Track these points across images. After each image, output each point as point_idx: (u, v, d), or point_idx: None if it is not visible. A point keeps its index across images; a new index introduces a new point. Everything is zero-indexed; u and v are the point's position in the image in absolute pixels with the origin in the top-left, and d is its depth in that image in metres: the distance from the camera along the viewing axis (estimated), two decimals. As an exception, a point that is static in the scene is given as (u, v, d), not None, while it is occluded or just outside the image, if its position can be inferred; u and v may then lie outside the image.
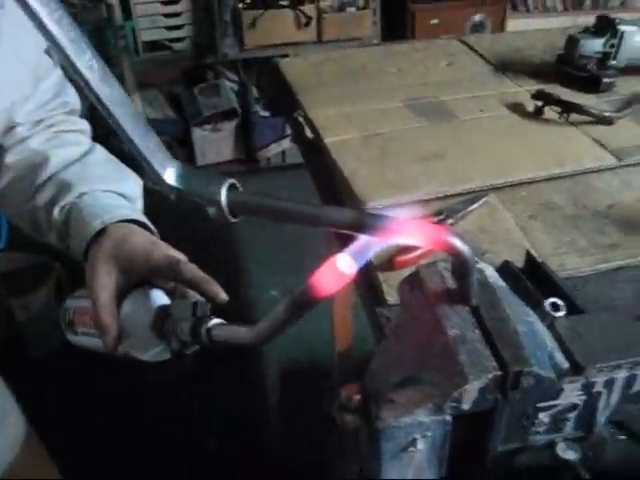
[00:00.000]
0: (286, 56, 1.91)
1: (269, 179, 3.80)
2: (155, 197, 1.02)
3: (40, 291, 2.60)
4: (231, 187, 0.64)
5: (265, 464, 2.30)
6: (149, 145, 0.63)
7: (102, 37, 3.67)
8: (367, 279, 1.05)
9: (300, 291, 0.58)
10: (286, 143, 3.94)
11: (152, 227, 0.99)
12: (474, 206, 1.17)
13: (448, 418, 0.58)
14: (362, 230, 0.54)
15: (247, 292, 2.97)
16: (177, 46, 3.66)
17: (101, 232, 0.92)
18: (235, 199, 0.63)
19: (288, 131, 3.79)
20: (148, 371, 2.28)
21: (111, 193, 1.00)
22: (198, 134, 3.89)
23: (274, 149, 4.00)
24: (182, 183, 0.66)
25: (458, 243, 0.54)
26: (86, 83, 0.58)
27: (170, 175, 0.65)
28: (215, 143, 3.93)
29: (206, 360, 2.26)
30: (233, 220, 0.64)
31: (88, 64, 0.58)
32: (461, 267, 0.57)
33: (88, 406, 2.49)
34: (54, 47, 0.55)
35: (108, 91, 0.60)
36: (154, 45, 3.63)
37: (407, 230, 0.52)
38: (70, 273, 2.60)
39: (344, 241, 0.57)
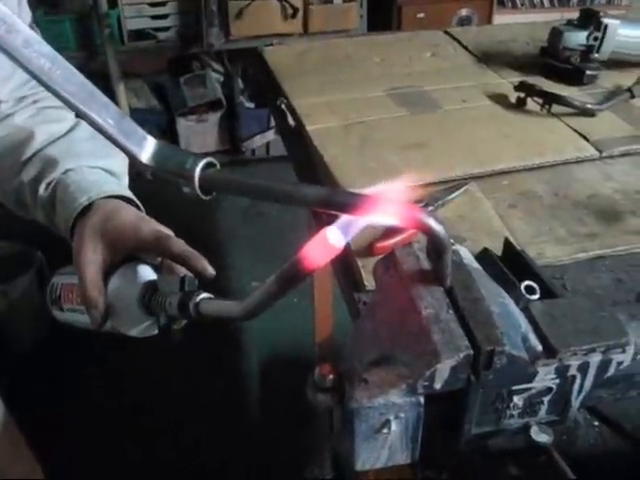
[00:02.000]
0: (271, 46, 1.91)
1: (253, 170, 3.80)
2: (135, 188, 1.02)
3: (21, 279, 2.58)
4: (208, 165, 0.64)
5: (243, 453, 2.30)
6: (121, 126, 0.63)
7: (87, 25, 3.65)
8: (346, 265, 1.05)
9: (289, 264, 0.57)
10: (271, 135, 3.94)
11: (139, 203, 0.99)
12: (454, 194, 1.17)
13: (421, 399, 0.58)
14: (335, 208, 0.54)
15: (229, 284, 2.97)
16: (162, 35, 3.64)
17: (88, 208, 0.92)
18: (209, 177, 0.63)
19: (273, 123, 3.79)
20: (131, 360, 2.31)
21: (97, 169, 1.00)
22: (183, 124, 3.88)
23: (259, 141, 4.00)
24: (157, 161, 0.65)
25: (432, 222, 0.54)
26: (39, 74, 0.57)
27: (146, 154, 0.65)
28: (200, 134, 3.92)
29: (185, 349, 2.29)
30: (205, 198, 0.64)
31: (35, 55, 0.56)
32: (435, 247, 0.57)
33: (67, 396, 2.48)
34: None
35: (65, 78, 0.59)
36: (139, 34, 3.61)
37: (380, 208, 0.52)
38: (51, 261, 2.59)
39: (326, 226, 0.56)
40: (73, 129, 1.05)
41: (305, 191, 0.57)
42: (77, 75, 0.60)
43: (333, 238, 0.54)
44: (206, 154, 0.65)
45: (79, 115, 0.61)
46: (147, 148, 0.65)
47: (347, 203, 0.53)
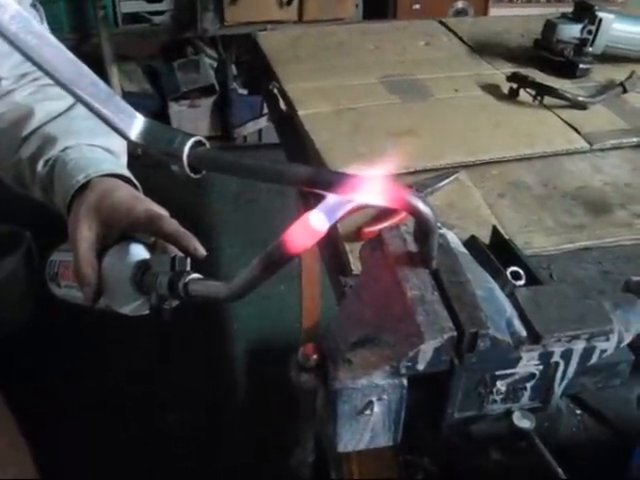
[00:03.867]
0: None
1: (245, 157, 3.78)
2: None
3: (8, 259, 2.57)
4: (196, 144, 0.64)
5: (228, 440, 2.30)
6: (110, 104, 0.64)
7: (81, 7, 3.63)
8: (333, 249, 1.05)
9: (273, 247, 0.58)
10: (263, 122, 3.92)
11: (136, 182, 1.00)
12: (444, 182, 1.17)
13: (404, 381, 0.58)
14: (321, 186, 0.54)
15: (218, 269, 2.96)
16: (157, 19, 3.61)
17: (85, 185, 0.93)
18: (197, 155, 0.63)
19: (266, 110, 3.77)
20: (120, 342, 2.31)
21: (96, 147, 1.01)
22: (175, 109, 3.86)
23: (251, 127, 3.98)
24: (146, 139, 0.66)
25: (419, 204, 0.54)
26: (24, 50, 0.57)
27: (134, 131, 0.65)
28: (192, 119, 3.89)
29: (174, 333, 2.29)
30: (194, 176, 0.64)
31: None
32: (422, 228, 0.57)
33: (53, 379, 2.48)
34: None
35: (54, 55, 0.59)
36: (134, 17, 3.59)
37: (367, 188, 0.52)
38: (41, 243, 2.58)
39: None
40: (73, 107, 1.05)
41: (292, 170, 0.57)
42: (66, 53, 0.60)
43: (316, 222, 0.54)
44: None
45: (68, 93, 0.62)
46: (136, 126, 0.66)
47: (334, 182, 0.53)
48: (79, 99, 0.62)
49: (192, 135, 0.64)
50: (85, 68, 0.62)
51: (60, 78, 0.60)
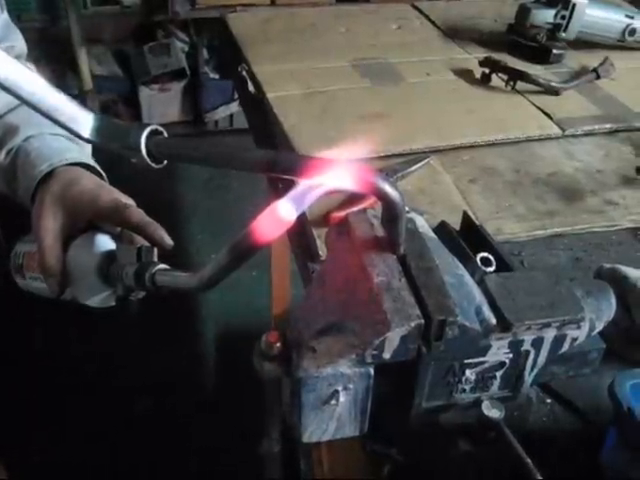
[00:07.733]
0: (235, 12, 1.88)
1: (207, 144, 3.75)
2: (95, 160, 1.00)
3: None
4: (153, 133, 0.62)
5: (197, 425, 2.29)
6: (56, 103, 0.62)
7: (49, -13, 3.57)
8: (301, 235, 1.04)
9: (240, 237, 0.56)
10: (234, 107, 3.90)
11: (101, 171, 0.98)
12: (415, 167, 1.16)
13: (371, 370, 0.57)
14: (283, 170, 0.52)
15: (189, 256, 2.95)
16: (127, 1, 3.57)
17: (49, 175, 0.91)
18: (156, 145, 0.62)
19: (237, 94, 3.75)
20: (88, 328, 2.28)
21: (60, 136, 0.98)
22: (145, 93, 3.82)
23: (222, 112, 3.95)
24: (100, 135, 0.64)
25: (386, 186, 0.52)
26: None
27: (86, 129, 0.64)
28: (162, 103, 3.86)
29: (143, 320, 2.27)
30: (156, 166, 0.62)
31: None
32: (389, 212, 0.55)
33: (21, 365, 2.45)
34: None
35: None
36: (103, -2, 3.55)
37: (330, 170, 0.50)
38: (4, 225, 2.54)
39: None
40: None
41: (252, 155, 0.56)
42: (6, 57, 0.58)
43: (284, 211, 0.52)
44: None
45: (14, 97, 0.60)
46: (87, 123, 0.65)
47: (295, 165, 0.51)
48: (24, 101, 0.60)
49: (147, 125, 0.63)
50: (25, 69, 0.60)
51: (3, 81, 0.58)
